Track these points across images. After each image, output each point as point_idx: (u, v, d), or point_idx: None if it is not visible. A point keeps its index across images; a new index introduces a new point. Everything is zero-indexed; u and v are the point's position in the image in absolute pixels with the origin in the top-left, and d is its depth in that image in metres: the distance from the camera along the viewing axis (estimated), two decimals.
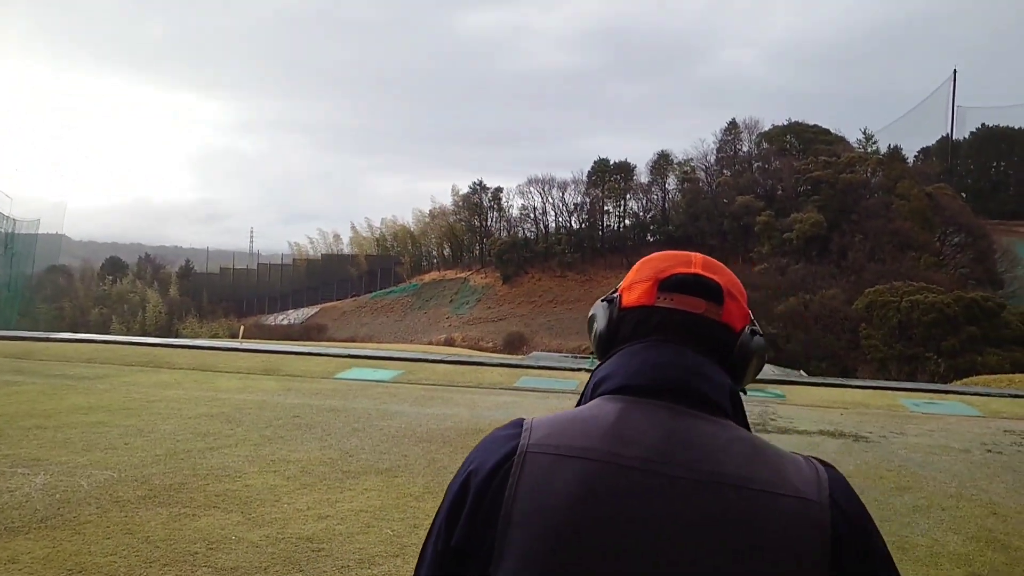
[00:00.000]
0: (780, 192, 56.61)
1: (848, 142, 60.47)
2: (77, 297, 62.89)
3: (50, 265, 62.13)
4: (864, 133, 62.45)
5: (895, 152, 58.04)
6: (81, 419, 8.80)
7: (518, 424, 0.95)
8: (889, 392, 14.43)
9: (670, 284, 1.01)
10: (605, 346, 1.05)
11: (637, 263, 1.11)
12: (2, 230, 31.75)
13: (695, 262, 1.04)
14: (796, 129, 61.75)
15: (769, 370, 18.49)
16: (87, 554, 4.69)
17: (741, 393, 1.02)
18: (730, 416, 0.94)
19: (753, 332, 1.03)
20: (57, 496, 5.79)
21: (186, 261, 76.97)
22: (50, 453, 7.15)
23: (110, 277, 67.05)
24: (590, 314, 1.10)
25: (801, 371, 22.23)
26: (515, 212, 68.70)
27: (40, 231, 35.99)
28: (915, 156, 62.14)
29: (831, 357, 34.38)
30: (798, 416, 11.15)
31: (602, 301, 1.08)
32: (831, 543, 0.83)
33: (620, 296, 1.07)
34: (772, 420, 10.72)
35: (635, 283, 1.05)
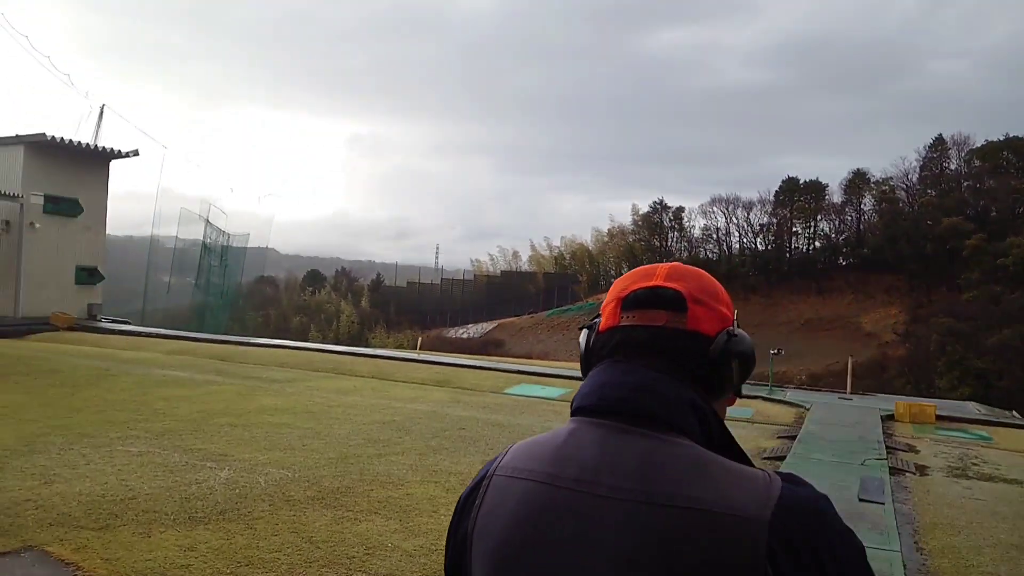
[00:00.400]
0: (994, 213, 51.48)
1: None
2: (280, 306, 68.37)
3: (259, 276, 68.03)
4: None
5: None
6: (267, 419, 9.43)
7: (503, 454, 1.01)
8: None
9: (630, 301, 1.01)
10: (585, 370, 1.06)
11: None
12: (219, 243, 35.07)
13: (658, 274, 1.03)
14: (1015, 144, 55.88)
15: (975, 409, 16.72)
16: (255, 548, 4.96)
17: (737, 397, 1.04)
18: (689, 431, 0.91)
19: (730, 334, 0.99)
20: (236, 491, 6.19)
21: (377, 275, 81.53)
22: (236, 449, 7.70)
23: (310, 288, 72.34)
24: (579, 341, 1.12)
25: (1014, 412, 19.92)
26: (697, 232, 67.20)
27: (250, 245, 39.47)
28: None
29: None
30: (1007, 463, 9.93)
31: (584, 327, 1.10)
32: (766, 567, 0.79)
33: (599, 320, 1.07)
34: (974, 465, 9.61)
35: (605, 305, 1.06)
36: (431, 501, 6.25)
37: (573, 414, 0.99)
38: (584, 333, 1.08)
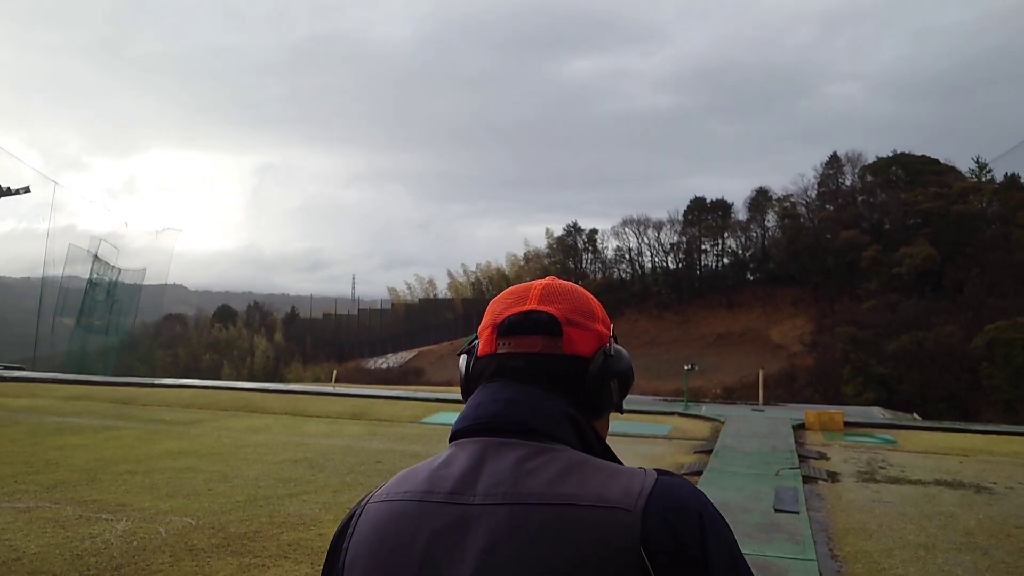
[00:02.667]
0: (887, 226, 54.23)
1: (959, 172, 57.34)
2: (190, 343, 66.02)
3: (166, 314, 65.61)
4: (977, 162, 58.93)
5: (1013, 180, 54.52)
6: (170, 464, 8.96)
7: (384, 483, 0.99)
8: (1016, 438, 13.22)
9: (504, 328, 0.99)
10: (465, 396, 1.03)
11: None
12: (105, 278, 33.52)
13: (531, 296, 1.01)
14: (902, 160, 59.19)
15: (879, 413, 17.37)
16: None
17: (618, 413, 1.03)
18: (567, 441, 0.91)
19: (606, 353, 0.99)
20: (134, 543, 5.81)
21: (292, 308, 79.82)
22: (135, 499, 7.26)
23: (221, 324, 70.12)
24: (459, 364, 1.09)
25: (915, 414, 20.83)
26: (610, 253, 68.44)
27: (150, 281, 37.92)
28: None
29: (949, 398, 32.29)
30: (911, 464, 10.30)
31: (463, 352, 1.07)
32: (641, 554, 0.79)
33: (477, 343, 1.04)
34: (881, 468, 9.93)
35: (481, 330, 1.03)
36: None
37: (451, 439, 0.97)
38: (463, 359, 1.05)
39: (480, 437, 0.92)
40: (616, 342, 1.03)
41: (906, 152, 60.03)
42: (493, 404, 0.94)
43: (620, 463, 0.93)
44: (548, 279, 1.06)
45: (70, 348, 34.00)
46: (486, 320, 1.03)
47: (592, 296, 1.06)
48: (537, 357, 0.96)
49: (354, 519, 0.93)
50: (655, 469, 0.89)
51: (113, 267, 33.56)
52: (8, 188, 23.16)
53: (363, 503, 0.95)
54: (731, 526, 0.88)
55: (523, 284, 1.05)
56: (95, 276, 33.02)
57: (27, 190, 23.79)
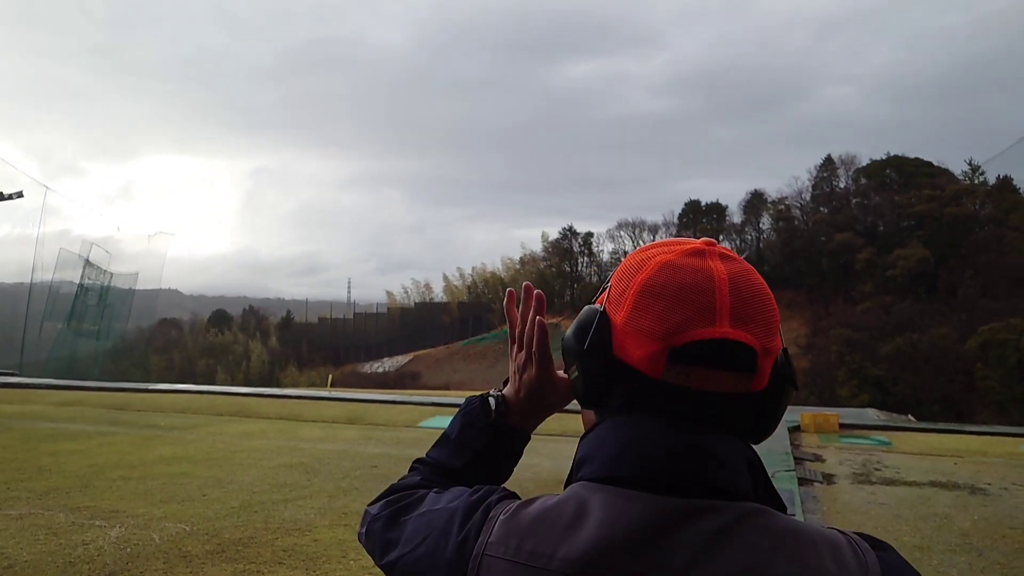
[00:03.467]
0: (881, 228, 54.43)
1: (953, 174, 57.61)
2: (185, 348, 65.88)
3: (161, 318, 65.49)
4: (970, 164, 59.25)
5: (1005, 182, 54.76)
6: (165, 470, 8.92)
7: (487, 509, 0.81)
8: (1010, 439, 13.23)
9: (688, 356, 0.75)
10: (591, 398, 0.85)
11: (636, 277, 0.81)
12: (97, 283, 33.44)
13: (722, 308, 0.76)
14: (896, 163, 59.42)
15: (874, 415, 17.41)
16: None
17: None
18: (748, 495, 0.76)
19: (785, 378, 0.81)
20: (128, 550, 5.78)
21: (287, 312, 79.68)
22: (129, 505, 7.22)
23: (216, 329, 70.01)
24: (566, 347, 0.86)
25: (909, 415, 20.88)
26: (605, 256, 68.59)
27: (144, 286, 37.85)
28: None
29: (944, 400, 32.38)
30: (906, 466, 10.31)
31: (587, 340, 0.82)
32: None
33: (611, 333, 0.81)
34: (876, 470, 9.94)
35: (635, 330, 0.78)
36: (340, 546, 5.98)
37: (594, 479, 0.78)
38: (587, 352, 0.82)
39: (646, 493, 0.74)
40: (785, 348, 0.83)
41: (899, 155, 60.28)
42: (666, 451, 0.76)
43: (781, 501, 0.81)
44: (727, 264, 0.80)
45: (55, 353, 33.87)
46: (647, 320, 0.77)
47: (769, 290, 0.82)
48: (721, 398, 0.77)
49: (471, 569, 0.77)
50: (858, 534, 0.77)
51: (105, 271, 33.49)
52: (0, 193, 23.09)
53: (474, 552, 0.77)
54: None
55: (696, 268, 0.79)
56: (86, 280, 32.94)
57: (20, 195, 23.74)
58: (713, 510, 0.72)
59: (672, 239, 0.87)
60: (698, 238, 0.88)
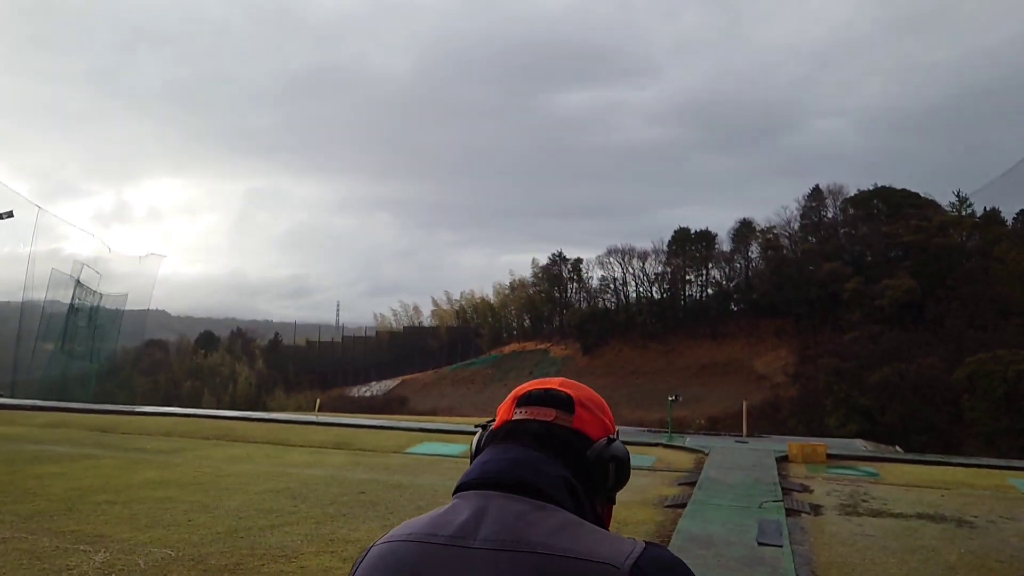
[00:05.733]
0: (869, 258, 54.82)
1: (940, 205, 58.13)
2: (171, 370, 65.31)
3: (148, 339, 64.97)
4: (957, 196, 59.79)
5: (992, 214, 55.34)
6: (150, 494, 8.85)
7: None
8: (997, 471, 13.30)
9: (524, 399, 1.10)
10: (473, 457, 1.12)
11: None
12: (87, 303, 33.29)
13: (553, 383, 1.12)
14: (883, 193, 59.98)
15: (862, 445, 17.45)
16: None
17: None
18: (563, 505, 0.98)
19: (610, 439, 1.08)
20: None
21: (275, 335, 79.20)
22: (114, 529, 7.16)
23: (203, 351, 69.46)
24: (470, 445, 1.17)
25: (897, 447, 20.92)
26: (595, 283, 68.69)
27: (133, 307, 37.71)
28: (1014, 218, 59.01)
29: (931, 430, 32.45)
30: (893, 497, 10.35)
31: (479, 427, 1.16)
32: None
33: (492, 421, 1.14)
34: (864, 501, 9.96)
35: (501, 407, 1.13)
36: (326, 573, 5.95)
37: (455, 492, 1.04)
38: (477, 433, 1.15)
39: (483, 491, 1.00)
40: (617, 436, 1.14)
41: (887, 186, 60.87)
42: (499, 462, 1.03)
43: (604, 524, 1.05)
44: (563, 379, 1.16)
45: (48, 374, 33.65)
46: (509, 396, 1.13)
47: (604, 401, 1.17)
48: (549, 425, 1.06)
49: (360, 562, 1.00)
50: (640, 540, 0.96)
51: (95, 292, 33.36)
52: None
53: (369, 547, 1.01)
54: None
55: (545, 379, 1.16)
56: (76, 301, 32.80)
57: (10, 215, 23.67)
58: (521, 500, 0.96)
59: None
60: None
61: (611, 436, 1.11)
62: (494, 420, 1.15)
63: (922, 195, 59.16)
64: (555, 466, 1.02)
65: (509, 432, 1.08)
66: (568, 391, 1.11)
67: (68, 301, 33.03)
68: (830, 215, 62.45)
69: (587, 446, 1.07)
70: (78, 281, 32.78)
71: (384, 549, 0.98)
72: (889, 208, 57.67)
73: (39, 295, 32.67)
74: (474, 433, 1.21)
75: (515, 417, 1.09)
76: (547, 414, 1.08)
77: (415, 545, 0.96)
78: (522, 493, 0.98)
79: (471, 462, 1.13)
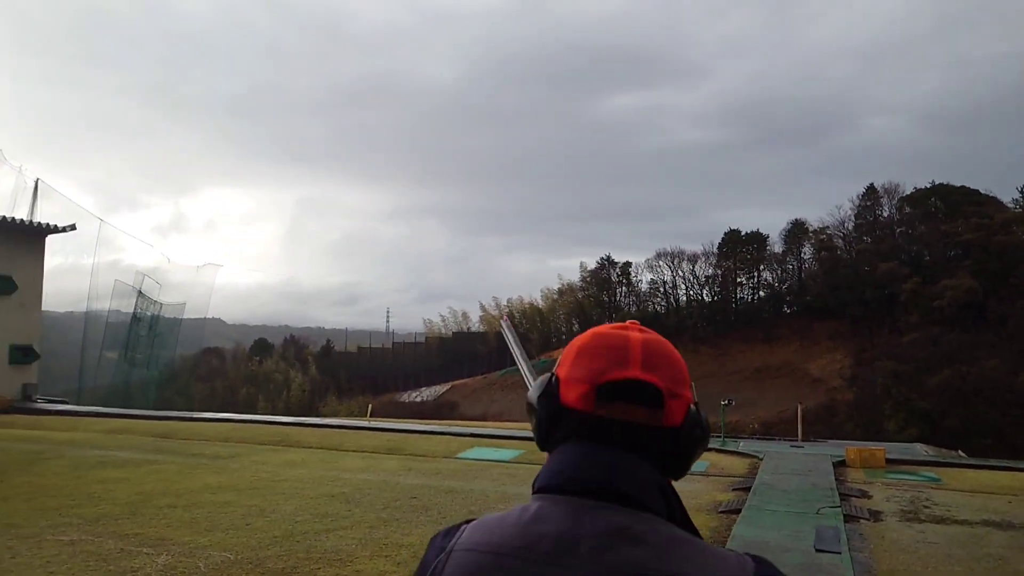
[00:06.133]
0: (927, 257, 53.40)
1: (1001, 202, 56.25)
2: (227, 377, 66.75)
3: (204, 347, 66.51)
4: (1021, 192, 57.83)
5: None
6: (209, 498, 9.06)
7: (455, 528, 1.00)
8: None
9: (608, 392, 0.98)
10: (544, 439, 1.04)
11: (574, 344, 1.05)
12: (148, 313, 34.27)
13: (633, 358, 0.99)
14: (941, 191, 58.33)
15: (922, 450, 16.98)
16: None
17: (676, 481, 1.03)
18: (657, 511, 0.94)
19: (695, 423, 1.01)
20: None
21: (327, 341, 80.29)
22: (176, 533, 7.34)
23: (257, 358, 70.81)
24: (529, 402, 1.06)
25: (959, 451, 20.30)
26: (644, 286, 68.17)
27: (191, 315, 38.73)
28: None
29: (996, 435, 31.42)
30: (957, 503, 10.04)
31: (540, 394, 1.04)
32: None
33: (558, 387, 1.02)
34: (926, 508, 9.69)
35: (572, 379, 1.01)
36: None
37: (537, 492, 0.98)
38: (544, 402, 1.03)
39: (571, 496, 0.94)
40: (696, 403, 1.05)
41: (945, 183, 59.19)
42: (588, 465, 0.96)
43: (699, 534, 0.97)
44: (642, 333, 1.04)
45: (114, 381, 34.80)
46: (582, 372, 1.00)
47: (679, 355, 1.07)
48: (637, 428, 0.98)
49: (438, 564, 0.94)
50: (748, 554, 0.93)
51: (156, 302, 34.36)
52: (55, 226, 23.83)
53: (447, 547, 0.95)
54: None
55: (617, 331, 1.03)
56: (139, 311, 33.84)
57: (72, 227, 24.45)
58: (615, 511, 0.91)
59: (608, 323, 1.09)
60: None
61: (694, 415, 1.02)
62: (555, 379, 1.03)
63: (982, 192, 57.43)
64: (647, 469, 0.97)
65: (592, 431, 0.98)
66: (654, 379, 0.98)
67: (129, 311, 34.11)
68: (885, 214, 61.00)
69: (674, 437, 0.99)
70: (140, 291, 33.80)
71: (472, 560, 0.92)
72: (947, 206, 56.08)
73: (100, 305, 33.79)
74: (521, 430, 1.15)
75: (597, 412, 0.98)
76: (636, 414, 0.98)
77: (509, 561, 0.90)
78: (616, 502, 0.93)
79: (538, 438, 1.05)
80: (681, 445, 0.99)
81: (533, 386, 1.06)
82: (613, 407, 0.98)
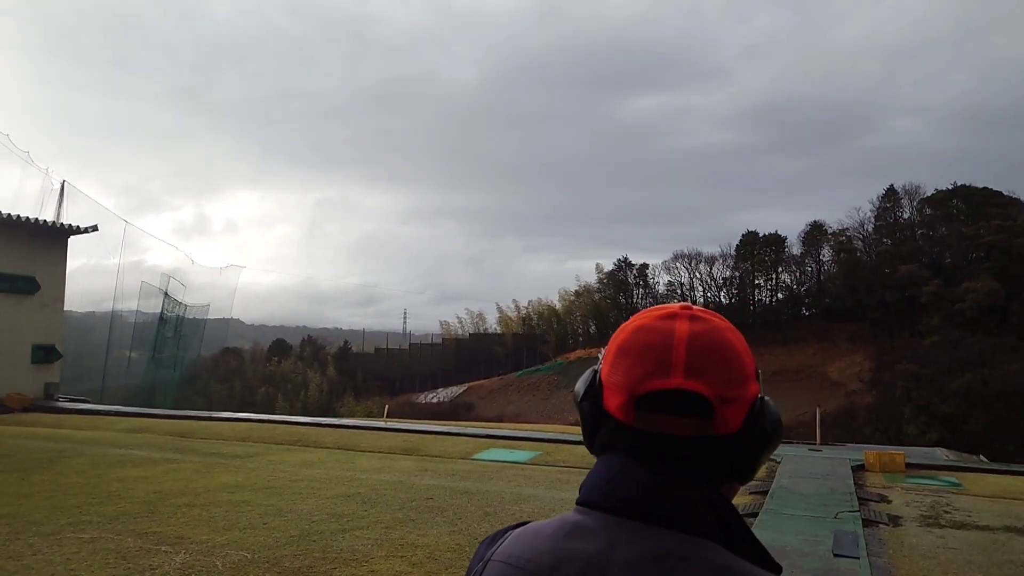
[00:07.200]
0: (948, 260, 52.87)
1: None
2: (246, 377, 67.15)
3: (223, 347, 67.01)
4: None
5: None
6: (227, 497, 9.12)
7: (500, 534, 0.96)
8: None
9: (648, 404, 0.89)
10: (589, 442, 0.98)
11: (616, 338, 0.95)
12: (173, 314, 34.68)
13: (677, 362, 0.87)
14: (963, 193, 57.74)
15: (943, 454, 16.80)
16: None
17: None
18: (707, 532, 0.85)
19: (757, 424, 0.90)
20: None
21: (344, 342, 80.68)
22: (193, 531, 7.40)
23: (275, 358, 71.24)
24: (575, 395, 1.00)
25: (981, 456, 20.05)
26: (661, 288, 68.02)
27: (212, 316, 39.22)
28: None
29: (1018, 439, 31.02)
30: (978, 509, 9.92)
31: (584, 393, 0.96)
32: None
33: (601, 390, 0.94)
34: (946, 513, 9.58)
35: (612, 384, 0.92)
36: None
37: (578, 504, 0.93)
38: (586, 406, 0.95)
39: (612, 515, 0.87)
40: (762, 396, 0.94)
41: (967, 184, 58.60)
42: (625, 482, 0.88)
43: (764, 549, 0.89)
44: (691, 324, 0.90)
45: (142, 382, 35.34)
46: (621, 377, 0.90)
47: (743, 341, 0.94)
48: (684, 440, 0.88)
49: (478, 571, 0.93)
50: None
51: (180, 303, 34.81)
52: (77, 227, 24.10)
53: (485, 556, 0.93)
54: (788, 571, 0.92)
55: (663, 324, 0.91)
56: (165, 312, 34.31)
57: (95, 228, 24.71)
58: (658, 536, 0.83)
59: (658, 306, 0.97)
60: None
61: (757, 413, 0.91)
62: (598, 379, 0.94)
63: (1005, 194, 56.79)
64: (696, 485, 0.87)
65: (633, 445, 0.90)
66: (700, 387, 0.86)
67: (152, 311, 34.61)
68: (906, 216, 60.49)
69: (733, 445, 0.89)
70: (166, 293, 34.25)
71: (503, 574, 0.89)
72: (969, 208, 55.52)
73: (123, 305, 34.26)
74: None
75: (637, 424, 0.89)
76: (680, 427, 0.88)
77: None
78: (659, 523, 0.84)
79: (585, 439, 0.98)
80: (741, 451, 0.89)
81: (581, 378, 0.99)
82: (655, 419, 0.89)
